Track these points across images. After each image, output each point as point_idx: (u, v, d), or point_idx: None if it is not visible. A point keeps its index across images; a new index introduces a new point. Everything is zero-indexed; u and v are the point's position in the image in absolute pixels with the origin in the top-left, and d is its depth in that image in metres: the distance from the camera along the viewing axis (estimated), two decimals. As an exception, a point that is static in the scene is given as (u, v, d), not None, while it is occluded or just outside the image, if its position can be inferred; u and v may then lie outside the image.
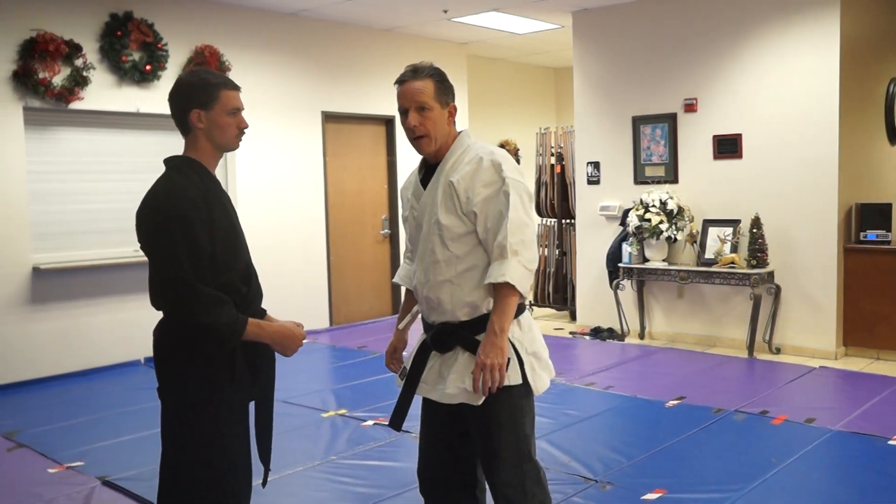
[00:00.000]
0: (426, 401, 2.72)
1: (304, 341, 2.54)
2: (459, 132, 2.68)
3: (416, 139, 2.60)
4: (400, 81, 2.61)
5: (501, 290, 2.47)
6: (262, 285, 2.61)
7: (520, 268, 2.46)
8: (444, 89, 2.60)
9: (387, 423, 4.86)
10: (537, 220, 8.49)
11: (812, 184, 6.70)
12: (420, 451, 2.81)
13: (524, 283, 2.48)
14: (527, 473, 2.58)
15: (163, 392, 2.49)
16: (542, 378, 2.63)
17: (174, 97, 2.49)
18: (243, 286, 2.48)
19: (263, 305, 2.63)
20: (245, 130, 2.56)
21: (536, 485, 2.60)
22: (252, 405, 2.58)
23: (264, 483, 2.65)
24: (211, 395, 2.42)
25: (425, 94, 2.56)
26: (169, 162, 2.51)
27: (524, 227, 2.49)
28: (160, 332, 2.48)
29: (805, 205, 6.76)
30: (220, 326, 2.32)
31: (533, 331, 2.66)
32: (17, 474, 4.32)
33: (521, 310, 2.60)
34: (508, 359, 2.48)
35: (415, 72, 2.59)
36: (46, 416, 5.36)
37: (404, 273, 2.88)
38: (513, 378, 2.52)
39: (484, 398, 2.49)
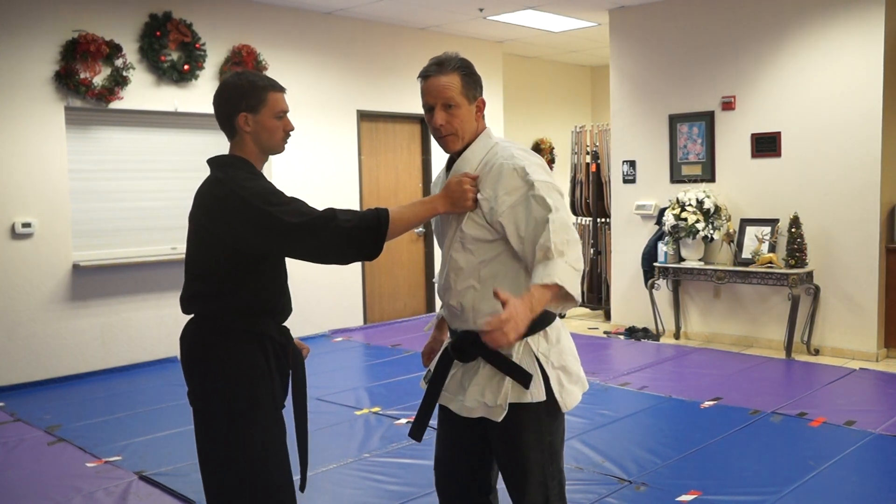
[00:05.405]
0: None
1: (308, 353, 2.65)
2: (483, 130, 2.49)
3: (442, 137, 2.42)
4: (424, 76, 2.40)
5: (548, 291, 2.18)
6: (298, 283, 2.65)
7: (568, 269, 2.19)
8: (472, 83, 2.41)
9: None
10: (572, 219, 8.44)
11: (853, 183, 6.60)
12: (436, 451, 2.65)
13: (574, 284, 2.20)
14: (551, 491, 2.45)
15: (203, 401, 2.41)
16: (571, 393, 2.44)
17: (220, 100, 2.42)
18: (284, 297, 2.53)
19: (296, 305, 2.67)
20: (291, 133, 2.49)
21: (560, 499, 2.49)
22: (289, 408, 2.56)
23: (303, 487, 2.61)
24: (260, 399, 2.36)
25: (452, 89, 2.35)
26: (218, 159, 2.45)
27: (567, 227, 2.26)
28: (198, 335, 2.41)
29: (846, 204, 6.65)
30: (368, 218, 2.32)
31: (561, 342, 2.46)
32: (57, 468, 4.40)
33: (549, 320, 2.42)
34: (530, 375, 2.34)
35: (440, 65, 2.38)
36: (86, 412, 5.45)
37: None
38: (536, 395, 2.35)
39: (504, 414, 2.32)
